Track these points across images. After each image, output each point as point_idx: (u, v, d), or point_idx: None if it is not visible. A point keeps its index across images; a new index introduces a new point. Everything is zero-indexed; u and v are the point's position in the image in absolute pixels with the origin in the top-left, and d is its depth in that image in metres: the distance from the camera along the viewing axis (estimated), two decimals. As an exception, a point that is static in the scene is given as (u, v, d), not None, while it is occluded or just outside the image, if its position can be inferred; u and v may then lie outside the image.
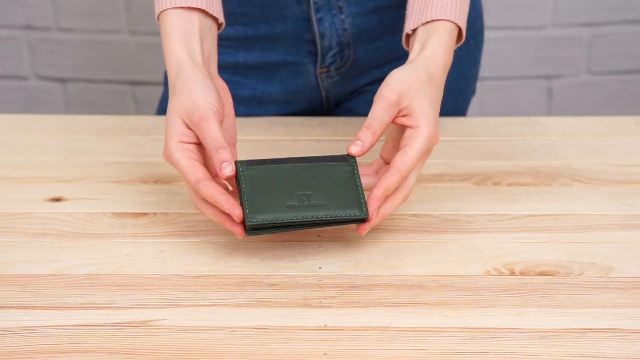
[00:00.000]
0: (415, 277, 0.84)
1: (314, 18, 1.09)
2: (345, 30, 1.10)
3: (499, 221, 0.93)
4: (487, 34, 1.77)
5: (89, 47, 1.93)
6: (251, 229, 0.83)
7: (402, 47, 1.13)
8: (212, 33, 0.92)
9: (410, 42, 0.93)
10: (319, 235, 0.90)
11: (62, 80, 1.97)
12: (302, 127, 1.14)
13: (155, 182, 1.01)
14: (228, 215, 0.83)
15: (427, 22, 0.91)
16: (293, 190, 0.84)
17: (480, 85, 1.95)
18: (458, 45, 0.95)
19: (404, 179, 0.85)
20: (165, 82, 1.22)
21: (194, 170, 0.84)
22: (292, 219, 0.83)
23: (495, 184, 1.00)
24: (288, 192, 0.84)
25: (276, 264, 0.86)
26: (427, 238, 0.90)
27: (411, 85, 0.86)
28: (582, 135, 1.11)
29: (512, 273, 0.85)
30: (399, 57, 1.13)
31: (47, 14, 1.91)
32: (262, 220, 0.82)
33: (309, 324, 0.78)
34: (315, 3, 1.08)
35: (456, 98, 1.21)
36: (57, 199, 0.97)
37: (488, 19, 1.88)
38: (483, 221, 0.93)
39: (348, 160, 0.86)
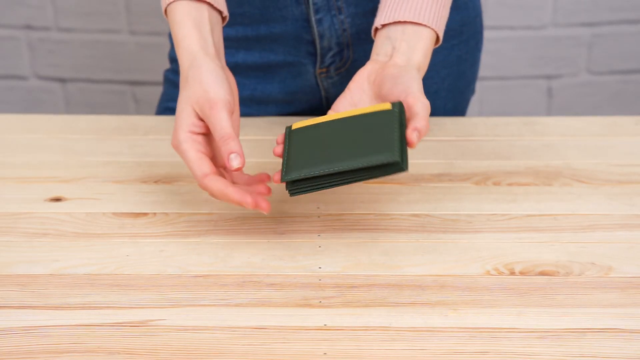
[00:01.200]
0: (415, 277, 0.84)
1: (313, 19, 1.09)
2: (344, 30, 1.10)
3: (499, 221, 0.93)
4: (487, 34, 1.77)
5: (89, 47, 1.93)
6: (289, 189, 0.83)
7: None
8: (219, 25, 0.93)
9: (380, 35, 0.94)
10: (319, 235, 0.90)
11: (62, 80, 1.97)
12: (302, 127, 1.13)
13: (155, 182, 1.01)
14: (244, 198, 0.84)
15: (400, 22, 0.92)
16: (332, 144, 0.84)
17: (480, 85, 1.95)
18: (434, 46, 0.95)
19: (428, 107, 0.86)
20: (165, 82, 1.22)
21: (201, 164, 0.84)
22: (323, 171, 0.82)
23: (495, 184, 1.00)
24: (327, 147, 0.84)
25: (276, 264, 0.86)
26: (427, 238, 0.90)
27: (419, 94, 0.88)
28: (582, 135, 1.11)
29: (512, 273, 0.85)
30: (399, 57, 1.13)
31: (47, 14, 1.91)
32: (294, 177, 0.82)
33: (309, 324, 0.78)
34: (314, 4, 1.08)
35: (456, 98, 1.21)
36: (57, 199, 0.97)
37: (488, 19, 1.88)
38: (483, 221, 0.93)
39: (393, 106, 0.86)
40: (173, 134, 0.86)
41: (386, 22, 0.93)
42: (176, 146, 0.86)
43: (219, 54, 0.91)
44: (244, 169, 0.89)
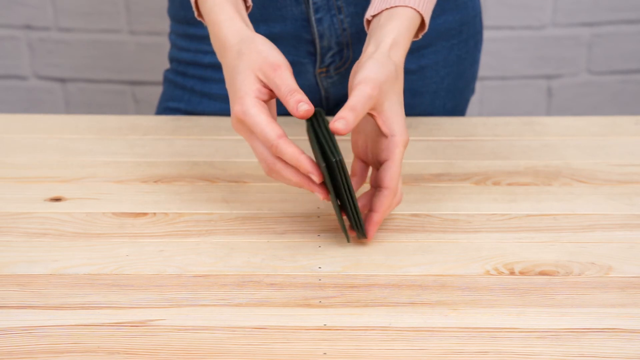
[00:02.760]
0: (415, 277, 0.84)
1: (312, 18, 1.09)
2: (344, 30, 1.10)
3: (498, 221, 0.93)
4: (487, 34, 1.77)
5: (88, 47, 1.93)
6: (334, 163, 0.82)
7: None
8: (246, 13, 0.93)
9: (372, 27, 0.93)
10: (319, 235, 0.90)
11: (62, 80, 1.97)
12: (302, 127, 1.13)
13: (155, 182, 1.01)
14: (308, 177, 0.84)
15: (389, 8, 0.91)
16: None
17: (479, 85, 1.95)
18: (421, 34, 0.94)
19: (396, 192, 0.88)
20: (165, 82, 1.22)
21: (275, 126, 0.83)
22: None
23: (495, 183, 1.00)
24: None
25: (276, 263, 0.86)
26: (427, 238, 0.90)
27: (385, 81, 0.86)
28: (582, 135, 1.11)
29: (512, 273, 0.85)
30: (399, 57, 1.13)
31: (47, 14, 1.91)
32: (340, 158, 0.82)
33: (309, 323, 0.78)
34: (314, 3, 1.08)
35: (455, 98, 1.21)
36: (57, 199, 0.97)
37: (488, 19, 1.88)
38: (483, 221, 0.93)
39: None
40: (237, 103, 0.84)
41: (375, 12, 0.92)
42: (243, 112, 0.83)
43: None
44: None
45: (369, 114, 0.88)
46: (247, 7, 0.95)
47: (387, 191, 0.87)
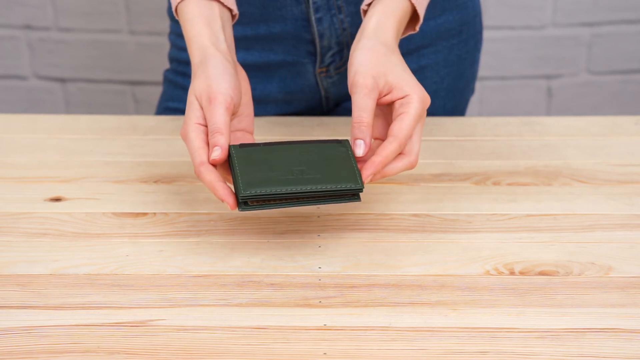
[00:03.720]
0: (415, 277, 0.84)
1: (313, 18, 1.09)
2: (344, 30, 1.10)
3: (498, 221, 0.93)
4: (487, 34, 1.77)
5: (88, 47, 1.93)
6: (244, 202, 0.82)
7: (401, 46, 1.13)
8: (229, 23, 0.94)
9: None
10: (319, 235, 0.90)
11: (62, 80, 1.97)
12: (302, 127, 1.14)
13: (155, 182, 1.01)
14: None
15: None
16: (287, 166, 0.84)
17: (479, 85, 1.95)
18: (416, 26, 0.94)
19: (403, 145, 0.84)
20: (165, 82, 1.22)
21: (201, 152, 0.84)
22: (286, 191, 0.82)
23: (495, 183, 1.00)
24: (282, 168, 0.84)
25: (276, 264, 0.86)
26: (427, 238, 0.90)
27: (378, 63, 0.86)
28: (582, 135, 1.11)
29: (512, 273, 0.85)
30: (399, 57, 1.13)
31: (47, 14, 1.91)
32: (255, 192, 0.82)
33: (309, 323, 0.78)
34: (314, 3, 1.08)
35: (455, 98, 1.21)
36: (57, 199, 0.97)
37: (488, 19, 1.88)
38: (483, 221, 0.93)
39: (342, 142, 0.87)
40: (183, 124, 0.87)
41: (369, 1, 0.92)
42: (184, 136, 0.86)
43: (230, 50, 0.91)
44: None
45: (383, 104, 0.87)
46: (232, 17, 0.95)
47: (392, 138, 0.84)
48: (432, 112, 1.19)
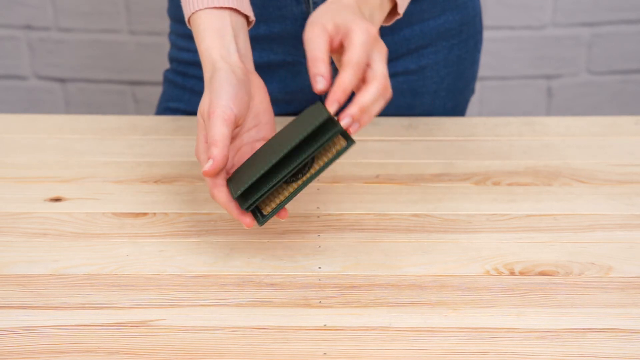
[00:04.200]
0: (415, 277, 0.84)
1: (313, 18, 1.09)
2: (345, 30, 1.10)
3: (498, 221, 0.93)
4: (487, 34, 1.77)
5: (88, 47, 1.93)
6: (260, 214, 0.83)
7: (402, 46, 1.13)
8: (244, 30, 0.93)
9: None
10: (319, 235, 0.90)
11: (62, 80, 1.97)
12: (302, 127, 1.13)
13: (155, 182, 1.01)
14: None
15: None
16: (269, 151, 0.83)
17: (479, 85, 1.95)
18: (394, 18, 0.92)
19: (358, 72, 0.81)
20: (165, 82, 1.22)
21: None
22: (268, 168, 0.80)
23: (495, 183, 1.00)
24: (263, 158, 0.83)
25: (276, 264, 0.86)
26: (427, 238, 0.90)
27: (327, 12, 0.85)
28: (582, 135, 1.11)
29: (512, 273, 0.85)
30: (399, 56, 1.13)
31: (47, 14, 1.91)
32: (252, 201, 0.81)
33: (309, 324, 0.78)
34: (314, 3, 1.08)
35: (455, 98, 1.21)
36: (57, 199, 0.97)
37: (488, 19, 1.88)
38: (483, 221, 0.93)
39: (314, 103, 0.84)
40: (196, 142, 0.88)
41: None
42: (196, 155, 0.87)
43: (244, 59, 0.90)
44: None
45: (337, 51, 0.85)
46: (249, 23, 0.94)
47: (342, 68, 0.81)
48: (432, 112, 1.19)
